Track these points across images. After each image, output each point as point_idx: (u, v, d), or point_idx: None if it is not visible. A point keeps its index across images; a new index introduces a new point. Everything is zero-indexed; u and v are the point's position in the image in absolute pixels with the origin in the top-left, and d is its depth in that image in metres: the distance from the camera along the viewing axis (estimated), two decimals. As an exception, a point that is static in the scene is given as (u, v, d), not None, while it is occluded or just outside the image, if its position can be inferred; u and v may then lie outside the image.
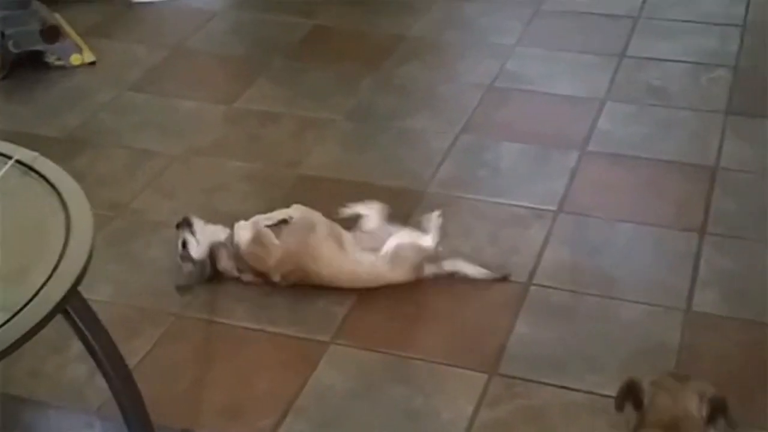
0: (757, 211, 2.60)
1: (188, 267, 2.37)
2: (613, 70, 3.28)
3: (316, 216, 2.40)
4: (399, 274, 2.34)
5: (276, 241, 2.35)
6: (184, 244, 2.37)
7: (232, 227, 2.41)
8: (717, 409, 1.63)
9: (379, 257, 2.33)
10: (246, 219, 2.43)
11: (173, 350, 2.22)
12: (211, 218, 2.46)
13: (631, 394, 1.68)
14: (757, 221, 2.57)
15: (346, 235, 2.38)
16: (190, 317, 2.31)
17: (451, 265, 2.39)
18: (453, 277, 2.38)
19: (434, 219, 2.39)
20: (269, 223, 2.39)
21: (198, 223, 2.40)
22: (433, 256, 2.37)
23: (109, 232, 2.56)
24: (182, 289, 2.36)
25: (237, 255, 2.37)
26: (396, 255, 2.33)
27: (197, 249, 2.37)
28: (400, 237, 2.36)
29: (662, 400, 1.64)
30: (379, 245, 2.35)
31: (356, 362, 2.17)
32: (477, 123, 3.02)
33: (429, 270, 2.37)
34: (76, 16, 3.56)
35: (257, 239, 2.35)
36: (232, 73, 3.36)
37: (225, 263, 2.38)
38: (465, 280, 2.38)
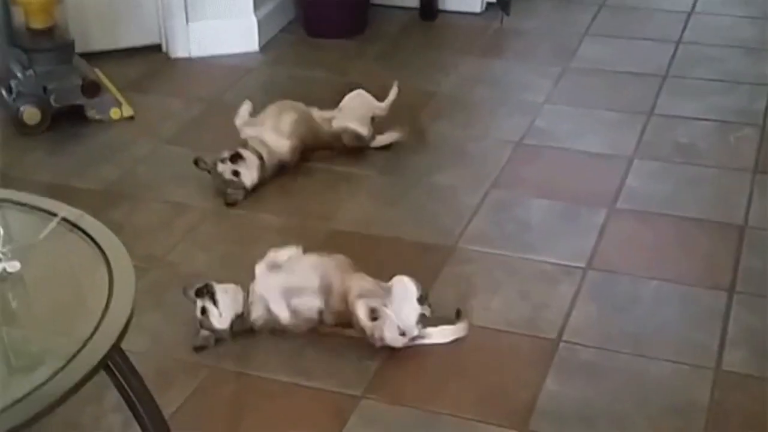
0: (785, 271, 2.62)
1: (206, 333, 2.39)
2: (641, 128, 3.32)
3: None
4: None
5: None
6: (203, 311, 2.37)
7: (247, 289, 2.42)
8: None
9: None
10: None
11: (207, 402, 2.26)
12: (244, 271, 2.50)
13: None
14: (785, 280, 2.59)
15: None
16: (224, 369, 2.35)
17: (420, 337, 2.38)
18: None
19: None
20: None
21: (219, 292, 2.38)
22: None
23: (145, 284, 2.60)
24: (199, 349, 2.38)
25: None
26: None
27: (219, 320, 2.38)
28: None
29: None
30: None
31: (387, 417, 2.20)
32: (506, 179, 3.07)
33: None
34: (116, 71, 3.66)
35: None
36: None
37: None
38: (496, 336, 2.41)
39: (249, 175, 2.95)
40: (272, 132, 3.05)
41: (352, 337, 2.38)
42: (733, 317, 2.45)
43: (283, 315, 2.40)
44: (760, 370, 2.29)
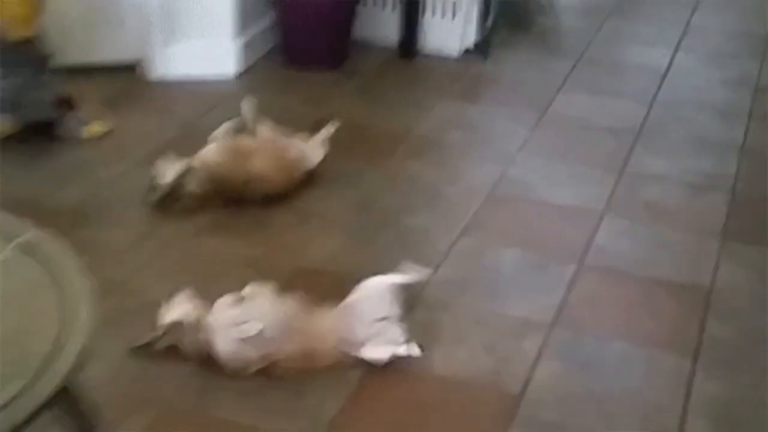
0: (751, 340, 2.63)
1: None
2: (612, 184, 3.34)
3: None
4: None
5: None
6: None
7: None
8: None
9: None
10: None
11: (161, 439, 2.21)
12: (207, 301, 2.46)
13: None
14: (750, 350, 2.60)
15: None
16: (181, 407, 2.30)
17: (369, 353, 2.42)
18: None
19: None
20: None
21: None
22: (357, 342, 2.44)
23: (105, 311, 2.54)
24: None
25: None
26: None
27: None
28: None
29: None
30: None
31: (345, 466, 2.17)
32: (477, 227, 3.06)
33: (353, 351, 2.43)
34: (92, 88, 3.61)
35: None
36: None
37: None
38: (458, 388, 2.39)
39: (165, 177, 3.03)
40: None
41: (312, 379, 2.36)
42: (696, 385, 2.46)
43: (224, 349, 2.36)
44: (719, 440, 2.30)
